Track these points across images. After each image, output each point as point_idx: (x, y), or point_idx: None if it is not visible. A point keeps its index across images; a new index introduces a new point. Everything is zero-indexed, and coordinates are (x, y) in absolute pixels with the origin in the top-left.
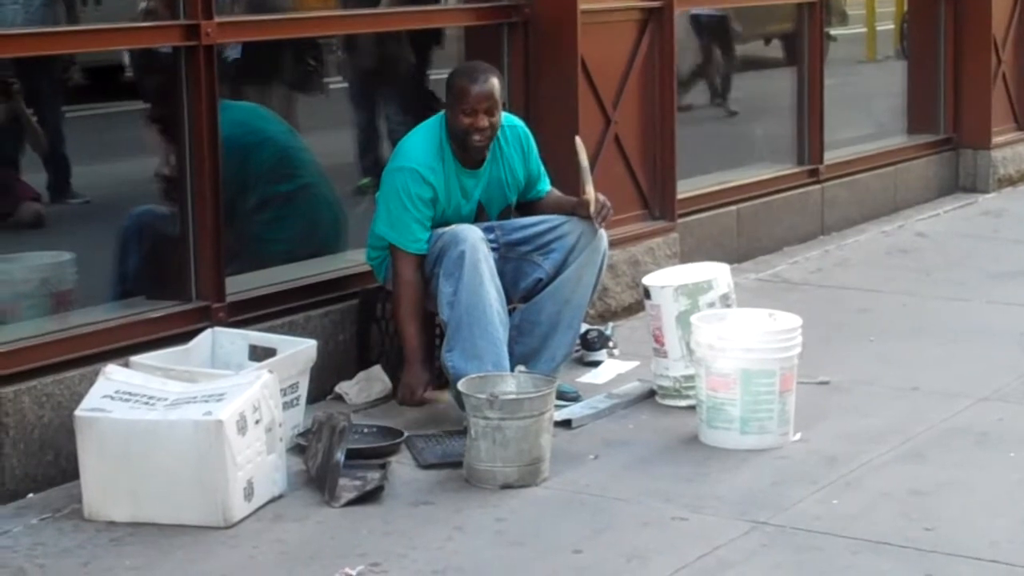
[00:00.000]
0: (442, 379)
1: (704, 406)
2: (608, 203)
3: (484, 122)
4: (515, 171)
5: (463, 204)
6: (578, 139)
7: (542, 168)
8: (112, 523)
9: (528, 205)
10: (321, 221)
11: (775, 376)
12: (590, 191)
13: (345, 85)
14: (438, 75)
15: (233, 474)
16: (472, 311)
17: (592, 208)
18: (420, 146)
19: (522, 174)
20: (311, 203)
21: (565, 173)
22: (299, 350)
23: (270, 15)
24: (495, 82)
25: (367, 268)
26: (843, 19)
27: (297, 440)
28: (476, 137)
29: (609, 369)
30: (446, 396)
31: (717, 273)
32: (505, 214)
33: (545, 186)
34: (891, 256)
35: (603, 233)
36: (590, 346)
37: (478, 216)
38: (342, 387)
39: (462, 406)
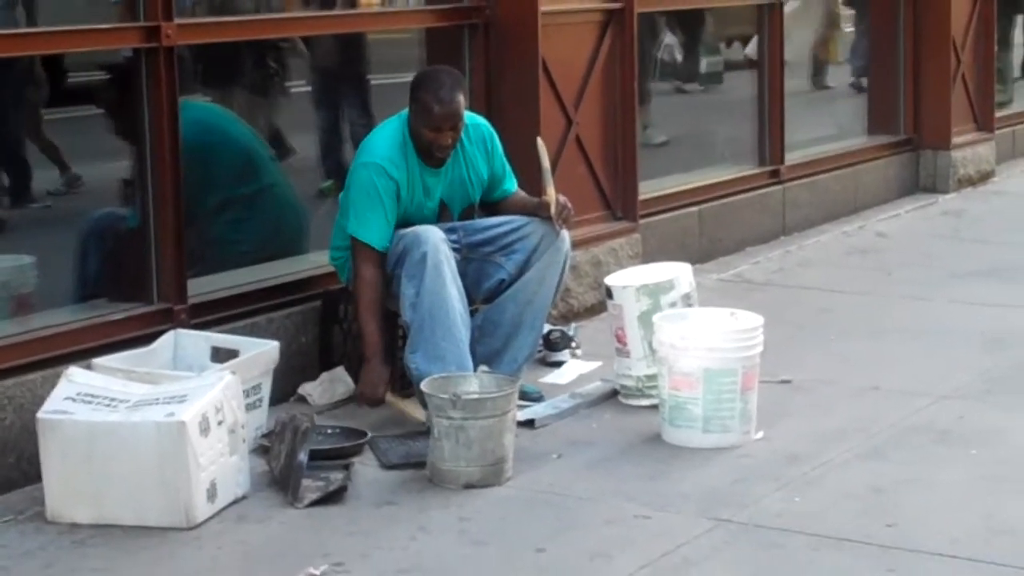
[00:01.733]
0: (403, 381)
1: (667, 405)
2: (569, 204)
3: (448, 139)
4: (478, 170)
5: (425, 202)
6: (540, 140)
7: (508, 168)
8: (75, 525)
9: (493, 205)
10: (283, 223)
11: (737, 375)
12: (551, 192)
13: (307, 88)
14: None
15: (196, 475)
16: (435, 313)
17: (553, 209)
18: (383, 143)
19: (486, 173)
20: (273, 204)
21: (527, 174)
22: (261, 351)
23: (230, 16)
24: (460, 99)
25: (330, 270)
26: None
27: (261, 441)
28: (438, 151)
29: (572, 369)
30: (411, 408)
31: (679, 273)
32: (468, 213)
33: (511, 186)
34: (852, 256)
35: (565, 234)
36: (553, 346)
37: (441, 215)
38: (305, 388)
39: (425, 406)
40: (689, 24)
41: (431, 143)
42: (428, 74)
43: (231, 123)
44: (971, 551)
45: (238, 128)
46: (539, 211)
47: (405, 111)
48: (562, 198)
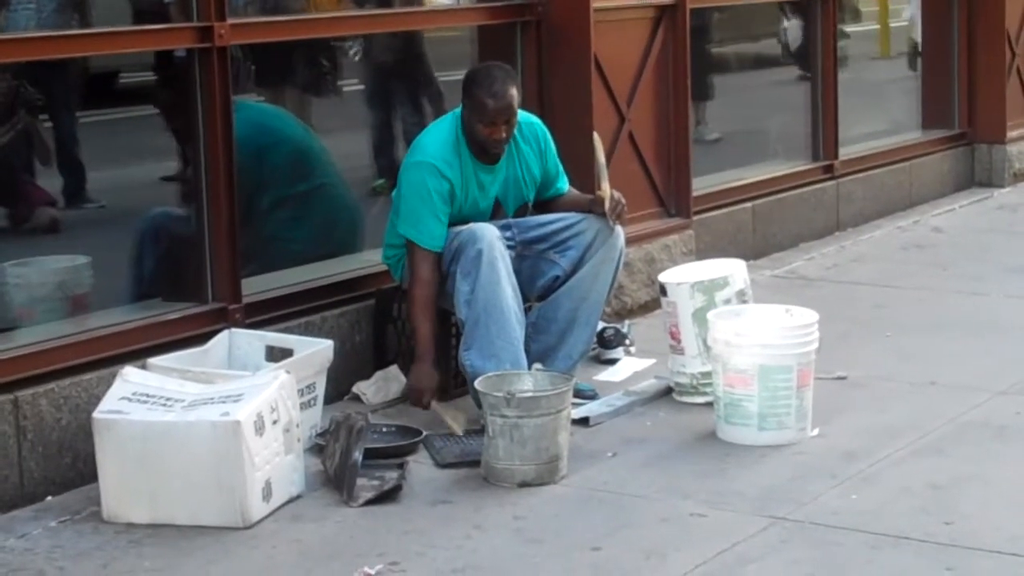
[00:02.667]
0: (456, 380)
1: (721, 402)
2: (623, 200)
3: (503, 133)
4: (531, 168)
5: (480, 199)
6: (596, 135)
7: (560, 167)
8: (131, 525)
9: (546, 203)
10: (337, 221)
11: (792, 372)
12: (605, 187)
13: (360, 87)
14: (452, 76)
15: (251, 475)
16: (489, 310)
17: (607, 205)
18: (436, 142)
19: (539, 171)
20: (327, 203)
21: (580, 171)
22: (316, 351)
23: (282, 16)
24: (514, 92)
25: (383, 268)
26: (856, 16)
27: (316, 440)
28: (493, 146)
29: (626, 367)
30: (458, 420)
31: (733, 269)
32: (522, 211)
33: (564, 185)
34: (907, 251)
35: (620, 231)
36: (607, 344)
37: (495, 213)
38: (359, 387)
39: (479, 404)
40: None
41: (486, 138)
42: (480, 70)
43: (285, 123)
44: None
45: (292, 127)
46: (593, 207)
47: (458, 109)
48: (616, 193)
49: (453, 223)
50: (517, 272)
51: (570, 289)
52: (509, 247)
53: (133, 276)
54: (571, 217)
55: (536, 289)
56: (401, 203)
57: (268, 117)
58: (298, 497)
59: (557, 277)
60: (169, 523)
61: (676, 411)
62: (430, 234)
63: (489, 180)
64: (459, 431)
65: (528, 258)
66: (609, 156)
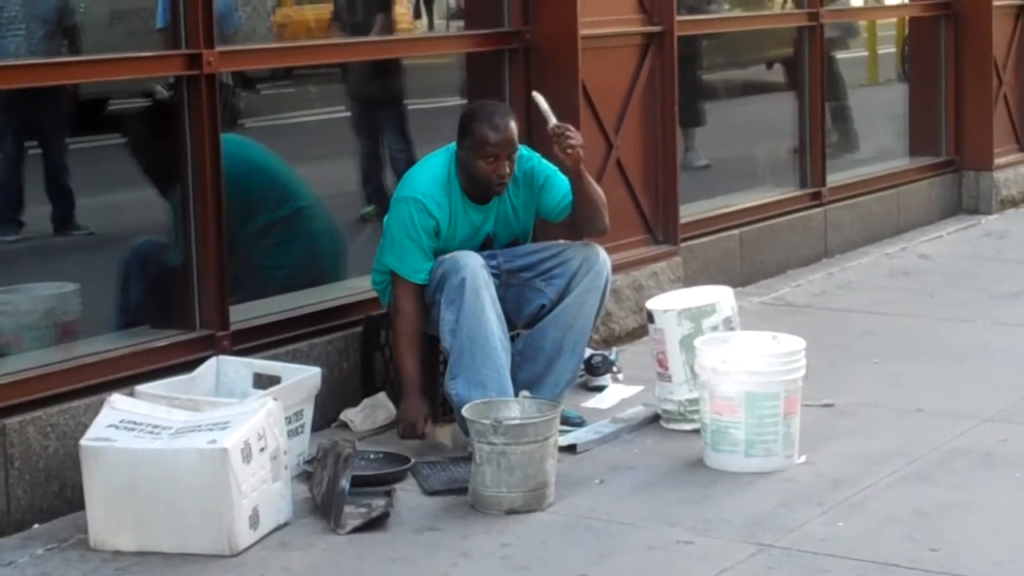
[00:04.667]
0: (444, 407)
1: (709, 429)
2: (571, 132)
3: (506, 168)
4: (519, 207)
5: (469, 238)
6: (535, 93)
7: (561, 180)
8: (118, 552)
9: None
10: (321, 246)
11: (779, 399)
12: (553, 120)
13: (347, 114)
14: (440, 103)
15: (238, 502)
16: (475, 338)
17: (554, 129)
18: (427, 178)
19: (531, 207)
20: (309, 229)
21: None
22: (303, 378)
23: (271, 44)
24: (514, 127)
25: (371, 295)
26: (844, 43)
27: (303, 467)
28: (497, 183)
29: (613, 394)
30: (447, 435)
31: (720, 296)
32: (511, 247)
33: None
34: (894, 278)
35: (606, 259)
36: (594, 371)
37: (483, 247)
38: (347, 414)
39: (467, 432)
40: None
41: (489, 176)
42: (477, 107)
43: (257, 151)
44: (1015, 575)
45: (264, 155)
46: (555, 152)
47: (452, 146)
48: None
49: (442, 254)
50: (503, 300)
51: (556, 317)
52: (494, 275)
53: (121, 303)
54: (557, 246)
55: (523, 318)
56: (388, 236)
57: (239, 147)
58: (285, 524)
59: (543, 306)
60: (156, 551)
61: (663, 438)
62: (414, 268)
63: (480, 219)
64: (447, 442)
65: (514, 287)
66: (597, 182)
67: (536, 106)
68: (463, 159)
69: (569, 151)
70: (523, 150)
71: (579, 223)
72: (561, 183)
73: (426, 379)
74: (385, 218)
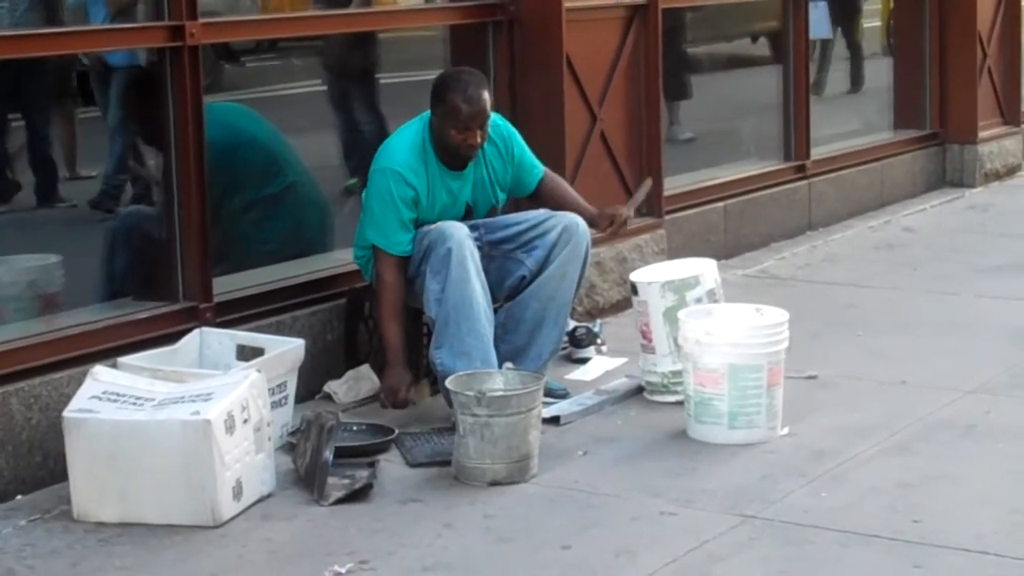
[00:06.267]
0: (428, 380)
1: (692, 401)
2: (626, 223)
3: (477, 138)
4: (497, 170)
5: (449, 206)
6: (649, 180)
7: (531, 156)
8: (101, 524)
9: (539, 195)
10: (308, 221)
11: (762, 371)
12: (623, 211)
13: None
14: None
15: (221, 474)
16: (460, 308)
17: (614, 222)
18: (402, 148)
19: (507, 173)
20: (297, 203)
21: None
22: (287, 349)
23: (254, 16)
24: (486, 96)
25: (354, 267)
26: None
27: (287, 439)
28: (467, 151)
29: (597, 366)
30: (425, 391)
31: (704, 269)
32: (491, 214)
33: (538, 172)
34: (878, 251)
35: (586, 229)
36: (578, 343)
37: (465, 217)
38: (330, 386)
39: (450, 403)
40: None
41: (459, 144)
42: (451, 75)
43: (253, 121)
44: (997, 546)
45: (260, 126)
46: (600, 219)
47: (425, 114)
48: (625, 216)
49: (419, 227)
50: (485, 272)
51: (537, 289)
52: (476, 247)
53: (104, 275)
54: (537, 216)
55: (504, 290)
56: (367, 208)
57: (236, 116)
58: (269, 496)
59: (524, 277)
60: (139, 522)
61: (647, 410)
62: (395, 240)
63: (458, 186)
64: (427, 394)
65: (496, 259)
66: (580, 155)
67: (641, 188)
68: (435, 125)
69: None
70: (496, 118)
71: (539, 203)
72: (530, 164)
73: (409, 350)
74: (363, 192)
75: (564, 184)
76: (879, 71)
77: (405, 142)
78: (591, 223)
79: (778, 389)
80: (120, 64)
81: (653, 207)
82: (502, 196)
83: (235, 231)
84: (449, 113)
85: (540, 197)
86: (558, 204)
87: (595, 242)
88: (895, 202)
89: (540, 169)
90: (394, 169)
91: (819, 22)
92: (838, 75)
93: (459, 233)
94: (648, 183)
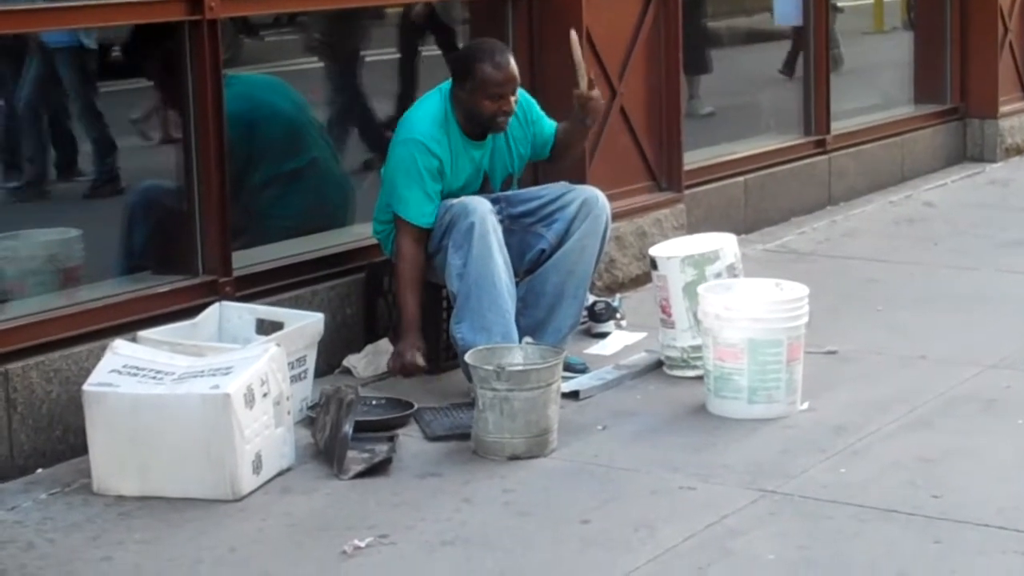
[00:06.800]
0: (448, 353)
1: (711, 376)
2: (596, 99)
3: (511, 104)
4: (518, 138)
5: (473, 176)
6: (572, 32)
7: (546, 118)
8: (121, 497)
9: (552, 152)
10: (328, 196)
11: (782, 346)
12: (583, 85)
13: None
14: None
15: (241, 447)
16: (481, 283)
17: (583, 91)
18: (425, 119)
19: (526, 141)
20: (318, 178)
21: None
22: (306, 323)
23: None
24: (514, 61)
25: (374, 242)
26: None
27: (306, 413)
28: (502, 119)
29: (616, 340)
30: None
31: (723, 243)
32: (507, 183)
33: (553, 126)
34: (899, 226)
35: (605, 202)
36: (597, 318)
37: (483, 186)
38: (350, 360)
39: (470, 378)
40: None
41: (494, 113)
42: (475, 46)
43: (279, 95)
44: (1018, 521)
45: (286, 100)
46: (577, 115)
47: (445, 85)
48: (595, 92)
49: (445, 198)
50: (506, 247)
51: (557, 262)
52: (498, 222)
53: (123, 249)
54: (557, 190)
55: (524, 263)
56: (390, 180)
57: (260, 89)
58: (288, 470)
59: (543, 251)
60: (159, 495)
61: (666, 385)
62: (420, 211)
63: (479, 155)
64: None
65: (516, 232)
66: (601, 130)
67: (571, 49)
68: (463, 99)
69: (589, 121)
70: None
71: (556, 157)
72: (547, 124)
73: (427, 324)
74: (384, 166)
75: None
76: (899, 45)
77: (427, 113)
78: (582, 119)
79: (798, 364)
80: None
81: (673, 182)
82: (519, 164)
83: (255, 205)
84: (480, 84)
85: (556, 153)
86: (561, 145)
87: (614, 216)
88: (916, 177)
89: (553, 123)
90: (417, 140)
91: (788, 9)
92: (861, 49)
93: (482, 208)
94: (574, 38)
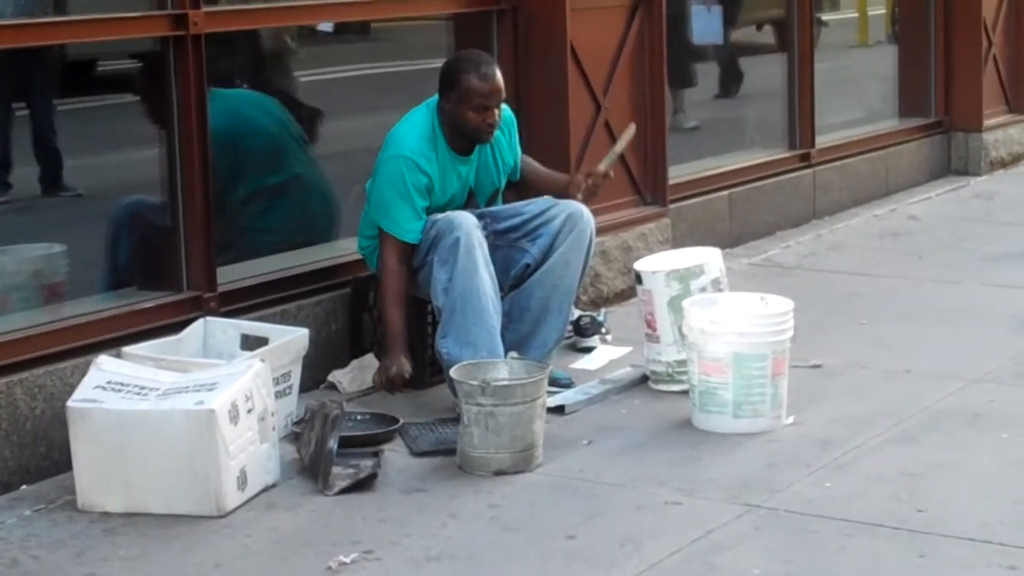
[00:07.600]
0: (433, 368)
1: (697, 390)
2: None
3: (495, 116)
4: (503, 154)
5: (459, 192)
6: (632, 126)
7: (517, 149)
8: (106, 513)
9: (521, 184)
10: (313, 211)
11: (767, 360)
12: (600, 168)
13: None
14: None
15: (226, 463)
16: (467, 298)
17: (601, 171)
18: (413, 135)
19: (511, 155)
20: (302, 193)
21: (554, 161)
22: (291, 339)
23: (258, 4)
24: (500, 74)
25: (359, 257)
26: (834, 4)
27: (291, 429)
28: (487, 132)
29: (602, 355)
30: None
31: (708, 258)
32: (493, 198)
33: (520, 153)
34: (883, 239)
35: (589, 217)
36: (583, 332)
37: (468, 201)
38: (335, 375)
39: (455, 393)
40: None
41: (479, 125)
42: (460, 58)
43: (262, 111)
44: (1002, 535)
45: (270, 116)
46: (575, 182)
47: (431, 100)
48: (590, 181)
49: (431, 214)
50: (492, 261)
51: (541, 277)
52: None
53: (108, 264)
54: (541, 204)
55: (509, 278)
56: (378, 196)
57: (244, 105)
58: (273, 486)
59: (528, 265)
60: (144, 512)
61: (651, 399)
62: (407, 228)
63: (466, 171)
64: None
65: (501, 248)
66: (585, 144)
67: (623, 137)
68: (449, 111)
69: (580, 197)
70: None
71: (523, 188)
72: (518, 151)
73: (412, 339)
74: (368, 182)
75: (531, 160)
76: (884, 59)
77: (415, 129)
78: (566, 190)
79: (783, 378)
80: None
81: (657, 196)
82: (503, 179)
83: (240, 220)
84: (465, 95)
85: (524, 186)
86: (533, 180)
87: (599, 231)
88: (900, 190)
89: (519, 151)
90: (407, 156)
91: (708, 27)
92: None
93: (467, 223)
94: (631, 129)
